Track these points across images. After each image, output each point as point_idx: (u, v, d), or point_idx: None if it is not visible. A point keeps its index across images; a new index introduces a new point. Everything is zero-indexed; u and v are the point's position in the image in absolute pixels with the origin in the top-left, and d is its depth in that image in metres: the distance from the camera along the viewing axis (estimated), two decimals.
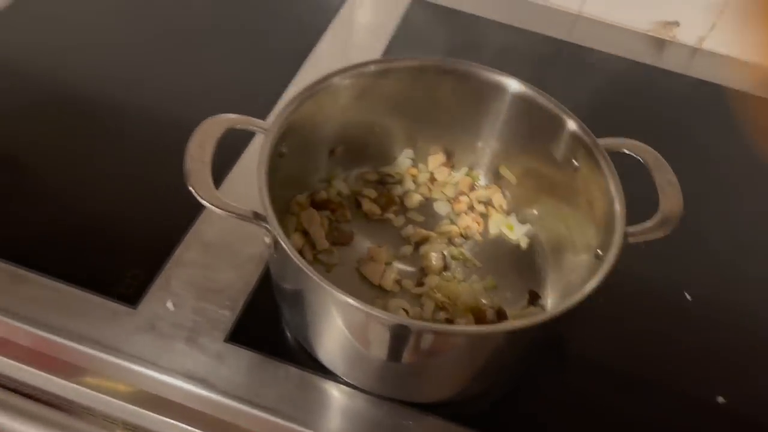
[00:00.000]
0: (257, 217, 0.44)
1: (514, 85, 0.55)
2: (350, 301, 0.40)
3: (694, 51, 0.86)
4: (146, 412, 0.51)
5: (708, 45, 0.86)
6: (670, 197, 0.48)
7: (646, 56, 0.84)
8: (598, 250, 0.48)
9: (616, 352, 0.56)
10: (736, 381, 0.54)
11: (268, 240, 0.45)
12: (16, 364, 0.52)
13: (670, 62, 0.84)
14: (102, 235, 0.57)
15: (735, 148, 0.76)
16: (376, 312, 0.40)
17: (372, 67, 0.54)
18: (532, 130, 0.56)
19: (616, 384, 0.54)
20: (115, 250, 0.56)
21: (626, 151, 0.52)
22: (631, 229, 0.47)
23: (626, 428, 0.51)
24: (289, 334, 0.52)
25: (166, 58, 0.74)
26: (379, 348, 0.44)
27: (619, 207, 0.48)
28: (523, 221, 0.61)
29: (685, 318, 0.58)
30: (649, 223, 0.47)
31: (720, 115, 0.79)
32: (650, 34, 0.87)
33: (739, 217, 0.68)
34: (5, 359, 0.52)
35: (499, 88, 0.55)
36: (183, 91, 0.70)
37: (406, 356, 0.44)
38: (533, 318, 0.41)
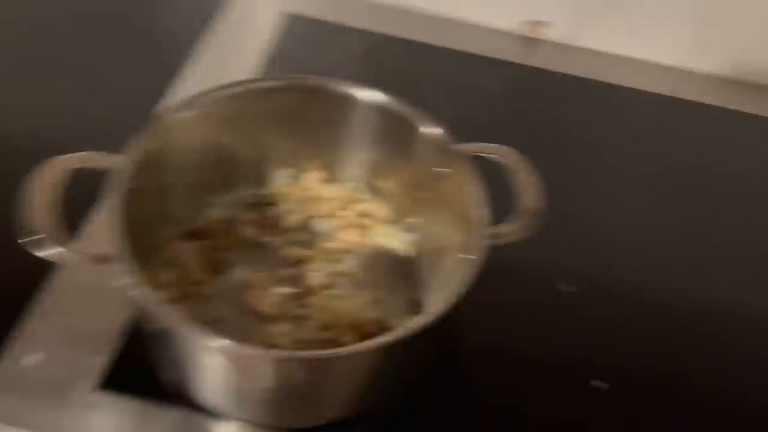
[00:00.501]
0: (110, 261, 0.42)
1: (370, 95, 0.55)
2: (203, 338, 0.39)
3: (565, 48, 0.89)
4: None
5: (578, 41, 0.89)
6: (529, 197, 0.49)
7: (516, 56, 0.86)
8: (460, 255, 0.49)
9: (498, 346, 0.58)
10: (610, 366, 0.57)
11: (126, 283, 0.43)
12: None
13: (541, 60, 0.87)
14: None
15: (607, 141, 0.79)
16: (230, 346, 0.39)
17: (230, 91, 0.53)
18: (397, 139, 0.56)
19: (501, 376, 0.56)
20: None
21: (487, 155, 0.53)
22: (492, 230, 0.48)
23: (509, 412, 0.54)
24: (165, 376, 0.50)
25: (13, 80, 0.70)
26: (249, 381, 0.43)
27: (479, 210, 0.49)
28: (404, 231, 0.62)
29: (561, 309, 0.60)
30: (508, 226, 0.48)
31: (592, 109, 0.83)
32: (520, 33, 0.90)
33: (611, 209, 0.71)
34: None
35: (357, 101, 0.55)
36: (35, 119, 0.66)
37: (281, 386, 0.43)
38: (394, 333, 0.42)
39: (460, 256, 0.48)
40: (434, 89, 0.78)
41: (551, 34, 0.89)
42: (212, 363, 0.43)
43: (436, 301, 0.55)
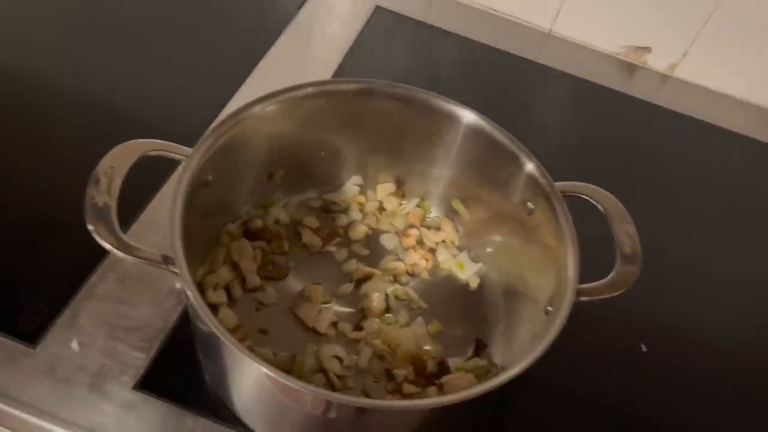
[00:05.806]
0: (167, 262, 0.39)
1: (468, 116, 0.51)
2: (264, 369, 0.35)
3: (665, 78, 0.83)
4: None
5: (679, 73, 0.82)
6: (627, 254, 0.44)
7: (615, 81, 0.80)
8: (549, 307, 0.44)
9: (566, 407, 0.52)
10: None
11: (178, 286, 0.40)
12: None
13: (640, 89, 0.80)
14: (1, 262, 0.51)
15: (702, 182, 0.72)
16: (289, 382, 0.35)
17: (309, 90, 0.50)
18: (487, 164, 0.52)
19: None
20: (16, 279, 0.50)
21: (584, 197, 0.48)
22: (584, 286, 0.43)
23: None
24: (208, 382, 0.47)
25: (100, 60, 0.68)
26: (297, 415, 0.39)
27: (572, 262, 0.44)
28: (475, 260, 0.57)
29: (641, 368, 0.55)
30: (602, 282, 0.43)
31: (686, 146, 0.76)
32: (620, 57, 0.83)
33: (704, 255, 0.65)
34: None
35: (452, 118, 0.51)
36: (113, 102, 0.64)
37: (329, 426, 0.40)
38: (465, 392, 0.37)
39: (548, 308, 0.43)
40: (520, 107, 0.73)
41: (653, 61, 0.82)
42: (257, 385, 0.39)
43: (504, 346, 0.51)
